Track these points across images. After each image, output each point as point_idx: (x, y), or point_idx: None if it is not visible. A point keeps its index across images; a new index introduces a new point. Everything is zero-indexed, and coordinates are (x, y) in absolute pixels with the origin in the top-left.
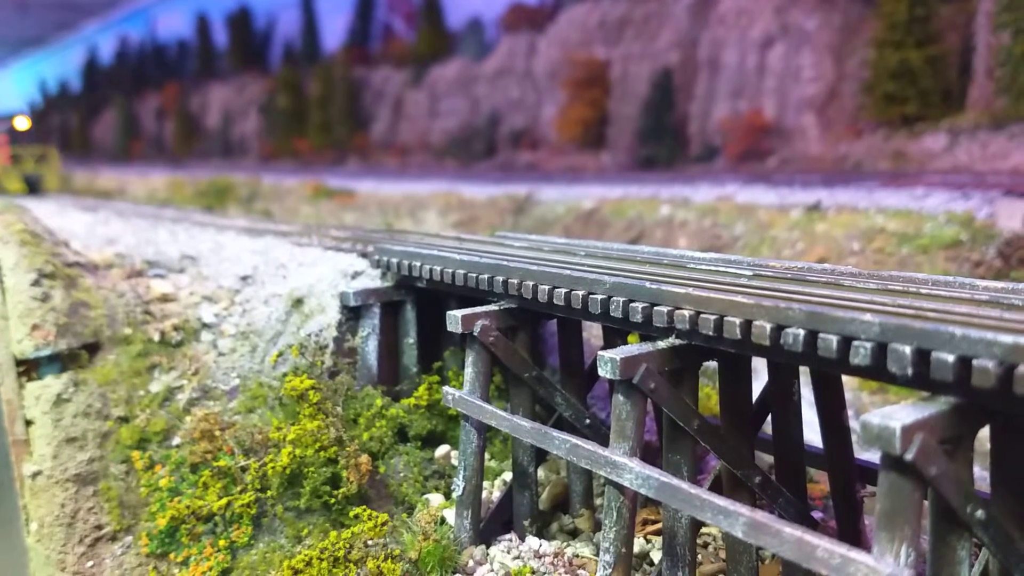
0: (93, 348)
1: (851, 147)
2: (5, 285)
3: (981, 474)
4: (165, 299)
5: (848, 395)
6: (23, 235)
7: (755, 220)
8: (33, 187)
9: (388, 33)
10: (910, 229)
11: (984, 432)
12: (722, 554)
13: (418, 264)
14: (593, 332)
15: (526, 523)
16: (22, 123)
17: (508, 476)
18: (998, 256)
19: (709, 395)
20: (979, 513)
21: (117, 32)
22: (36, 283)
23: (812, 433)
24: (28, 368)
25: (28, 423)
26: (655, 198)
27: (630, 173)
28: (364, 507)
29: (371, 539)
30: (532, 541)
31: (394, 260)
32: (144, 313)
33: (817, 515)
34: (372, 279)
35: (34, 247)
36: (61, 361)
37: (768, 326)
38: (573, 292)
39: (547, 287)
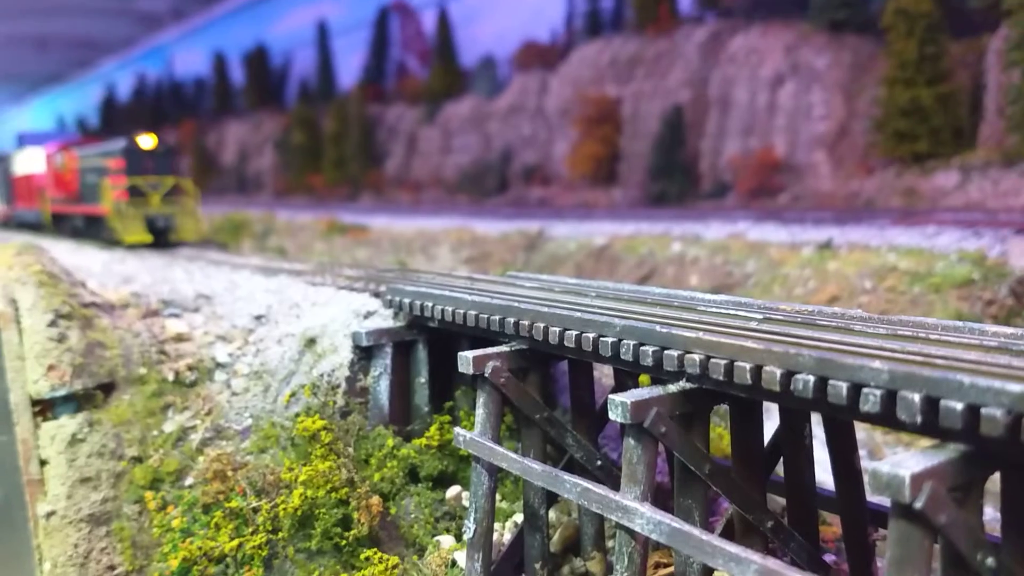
0: (108, 388)
1: (862, 184)
2: (22, 326)
3: (994, 515)
4: (180, 339)
5: (861, 435)
6: (41, 276)
7: (766, 258)
8: (161, 235)
9: (402, 71)
10: (922, 268)
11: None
12: None
13: (430, 304)
14: (604, 370)
15: (537, 566)
16: (147, 142)
17: (519, 518)
18: (1010, 295)
19: (721, 435)
20: (989, 560)
21: (135, 70)
22: (53, 324)
23: (824, 473)
24: (43, 408)
25: (43, 463)
26: (666, 235)
27: (641, 209)
28: (375, 549)
29: None
30: None
31: (406, 300)
32: (159, 353)
33: (830, 558)
34: (384, 319)
35: (51, 288)
36: (76, 401)
37: (778, 372)
38: (584, 335)
39: (558, 329)
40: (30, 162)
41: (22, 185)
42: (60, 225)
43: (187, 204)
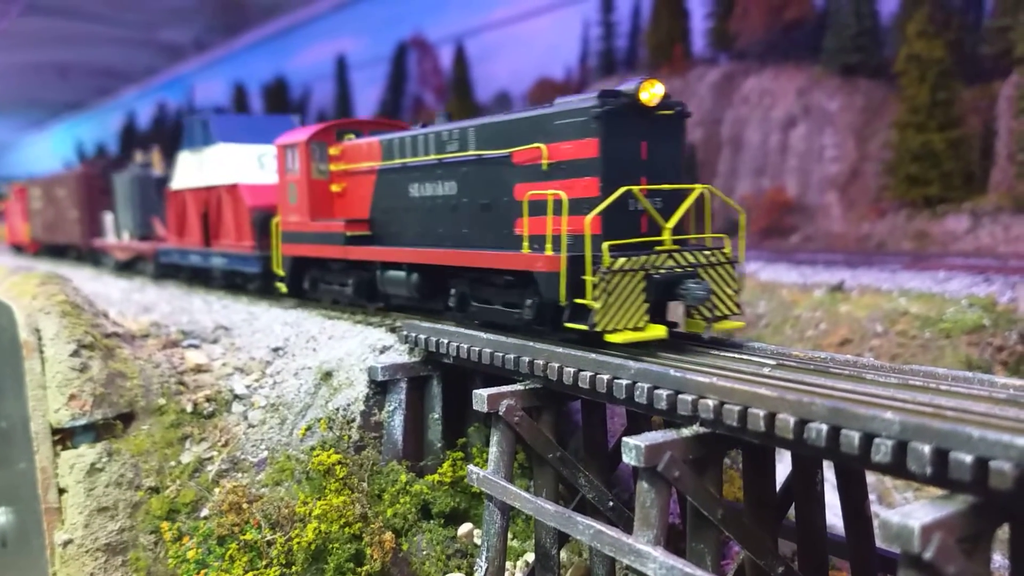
0: (128, 418)
1: (874, 227)
2: (45, 355)
3: (1003, 561)
4: (199, 369)
5: (871, 479)
6: (64, 306)
7: (778, 299)
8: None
9: (418, 105)
10: (932, 312)
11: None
12: None
13: (445, 341)
14: (617, 408)
15: None
16: (649, 95)
17: (530, 557)
18: (1021, 341)
19: (733, 478)
20: None
21: (156, 98)
22: (75, 354)
23: (835, 518)
24: (63, 437)
25: (61, 491)
26: None
27: None
28: None
29: None
30: None
31: (422, 336)
32: (178, 384)
33: None
34: (400, 354)
35: (74, 318)
36: (96, 431)
37: (792, 420)
38: (598, 376)
39: (572, 370)
40: (219, 167)
41: (189, 205)
42: (310, 279)
43: (723, 244)
